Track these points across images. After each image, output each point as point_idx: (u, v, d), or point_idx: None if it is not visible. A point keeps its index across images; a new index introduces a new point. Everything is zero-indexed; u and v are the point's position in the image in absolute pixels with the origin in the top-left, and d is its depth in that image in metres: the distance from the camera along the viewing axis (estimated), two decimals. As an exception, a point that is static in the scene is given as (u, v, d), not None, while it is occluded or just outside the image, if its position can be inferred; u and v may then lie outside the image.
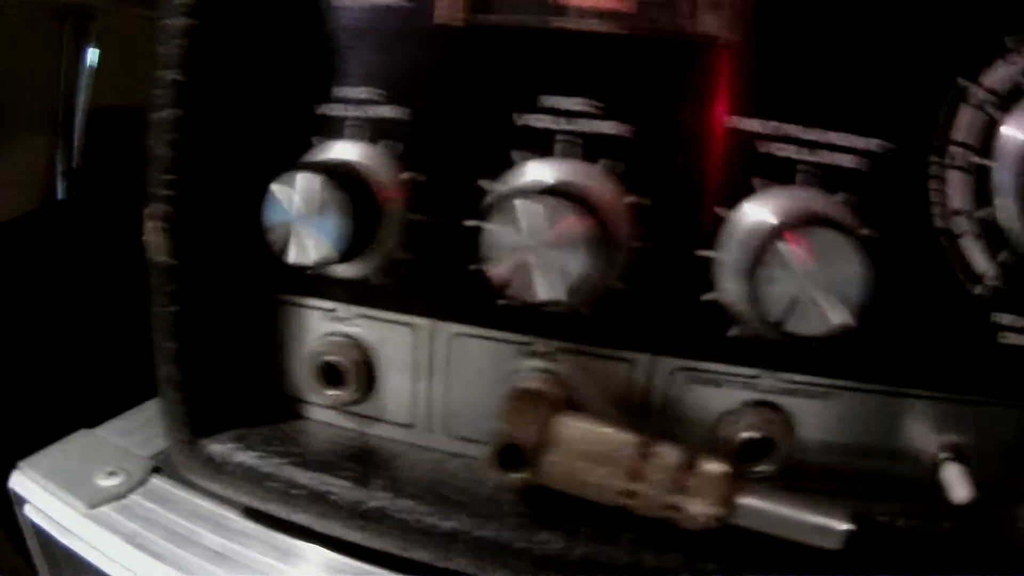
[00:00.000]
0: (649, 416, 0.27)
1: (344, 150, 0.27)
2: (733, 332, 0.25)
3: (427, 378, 0.29)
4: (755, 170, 0.24)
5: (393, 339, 0.29)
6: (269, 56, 0.28)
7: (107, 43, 0.56)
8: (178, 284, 0.28)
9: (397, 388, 0.29)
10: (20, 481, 0.34)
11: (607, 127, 0.25)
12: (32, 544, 0.35)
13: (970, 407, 0.27)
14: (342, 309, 0.29)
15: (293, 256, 0.25)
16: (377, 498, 0.26)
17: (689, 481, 0.24)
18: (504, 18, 0.24)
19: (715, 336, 0.26)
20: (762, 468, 0.26)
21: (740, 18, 0.24)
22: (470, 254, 0.25)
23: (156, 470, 0.35)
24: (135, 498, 0.33)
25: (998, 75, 0.24)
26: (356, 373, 0.29)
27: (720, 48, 0.24)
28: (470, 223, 0.26)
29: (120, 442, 0.37)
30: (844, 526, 0.24)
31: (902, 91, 0.24)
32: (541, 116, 0.25)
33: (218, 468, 0.29)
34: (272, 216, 0.25)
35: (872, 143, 0.24)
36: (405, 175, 0.27)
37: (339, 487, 0.27)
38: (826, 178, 0.24)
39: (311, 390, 0.30)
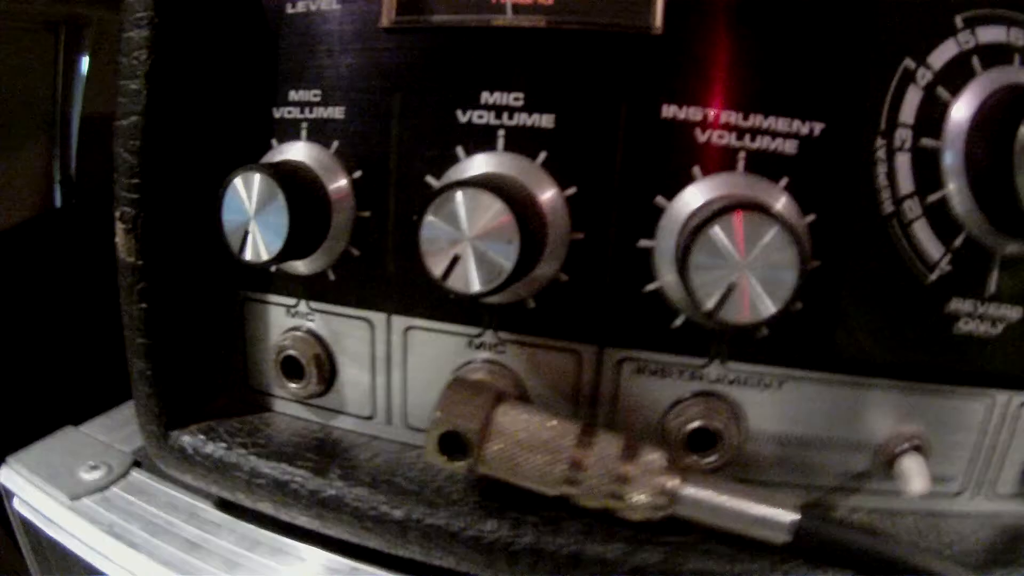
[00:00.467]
0: (598, 407, 0.28)
1: (299, 151, 0.30)
2: (678, 322, 0.27)
3: (384, 371, 0.31)
4: (694, 159, 0.26)
5: (351, 333, 0.31)
6: (228, 64, 0.30)
7: (100, 51, 0.60)
8: (146, 283, 0.30)
9: (356, 381, 0.32)
10: (8, 475, 0.37)
11: (545, 121, 0.27)
12: (19, 535, 0.38)
13: (929, 397, 0.28)
14: (302, 305, 0.32)
15: (248, 254, 0.28)
16: (334, 486, 0.29)
17: (630, 471, 0.25)
18: (431, 18, 0.27)
19: (659, 326, 0.27)
20: (710, 459, 0.28)
21: (662, 8, 0.25)
22: (418, 248, 0.27)
23: (136, 464, 0.38)
24: (115, 491, 0.36)
25: (947, 55, 0.25)
26: (316, 367, 0.31)
27: (651, 38, 0.25)
28: (417, 219, 0.28)
29: (103, 438, 0.40)
30: (790, 517, 0.25)
31: (846, 74, 0.25)
32: (483, 112, 0.27)
33: (188, 459, 0.32)
34: (227, 216, 0.28)
35: (815, 127, 0.26)
36: (356, 174, 0.29)
37: (299, 476, 0.29)
38: (768, 165, 0.26)
39: (276, 384, 0.33)
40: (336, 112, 0.29)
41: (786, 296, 0.23)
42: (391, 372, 0.31)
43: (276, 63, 0.30)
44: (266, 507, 0.30)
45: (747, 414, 0.28)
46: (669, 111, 0.26)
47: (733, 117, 0.26)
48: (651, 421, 0.28)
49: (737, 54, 0.26)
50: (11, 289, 0.56)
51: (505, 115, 0.27)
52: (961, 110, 0.26)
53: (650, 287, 0.27)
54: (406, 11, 0.27)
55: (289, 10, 0.29)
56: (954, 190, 0.26)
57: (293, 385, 0.32)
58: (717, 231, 0.23)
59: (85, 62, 0.60)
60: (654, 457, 0.25)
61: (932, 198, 0.26)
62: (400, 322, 0.30)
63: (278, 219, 0.27)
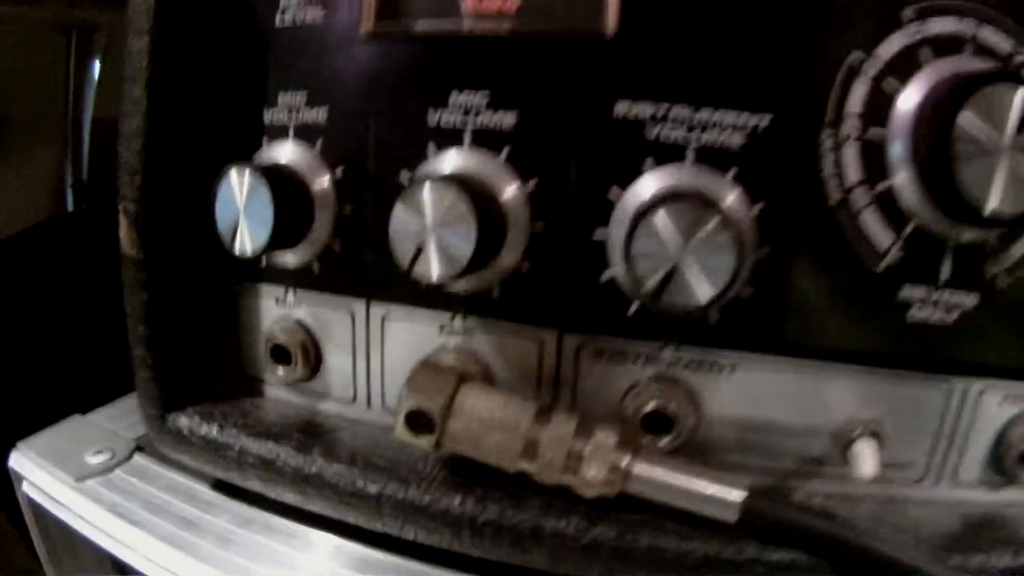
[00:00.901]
0: (560, 390, 0.32)
1: (287, 150, 0.34)
2: (632, 309, 0.30)
3: (364, 357, 0.35)
4: (646, 152, 0.29)
5: (333, 321, 0.35)
6: (222, 69, 0.35)
7: (111, 56, 0.65)
8: (147, 274, 0.35)
9: (339, 367, 0.36)
10: (18, 460, 0.42)
11: (507, 120, 0.30)
12: (28, 518, 0.43)
13: (886, 382, 0.30)
14: (290, 295, 0.36)
15: (238, 248, 0.32)
16: (316, 464, 0.33)
17: (583, 448, 0.29)
18: (405, 24, 0.30)
19: (616, 313, 0.30)
20: (666, 442, 0.31)
21: (615, 11, 0.28)
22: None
23: (139, 449, 0.42)
24: (119, 473, 0.40)
25: (895, 46, 0.28)
26: (302, 353, 0.35)
27: (603, 41, 0.29)
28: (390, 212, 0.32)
29: (108, 426, 0.45)
30: (738, 497, 0.28)
31: (793, 67, 0.28)
32: (452, 112, 0.31)
33: (185, 440, 0.36)
34: (220, 211, 0.32)
35: (763, 120, 0.28)
36: (338, 171, 0.33)
37: (283, 454, 0.33)
38: (716, 157, 0.29)
39: (267, 369, 0.37)
40: (320, 114, 0.33)
41: (724, 281, 0.26)
42: (370, 358, 0.35)
43: (266, 68, 0.34)
44: (254, 485, 0.34)
45: (702, 398, 0.31)
46: (621, 108, 0.29)
47: (682, 112, 0.29)
48: (610, 404, 0.31)
49: (685, 52, 0.29)
50: (25, 290, 0.61)
51: (472, 114, 0.31)
52: (908, 100, 0.28)
53: (606, 275, 0.30)
54: (384, 18, 0.31)
55: (278, 20, 0.34)
56: (902, 179, 0.28)
57: (281, 371, 0.36)
58: (657, 219, 0.26)
59: (96, 66, 0.66)
60: (606, 435, 0.29)
61: (880, 187, 0.28)
62: (378, 310, 0.34)
63: (264, 213, 0.31)
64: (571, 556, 0.29)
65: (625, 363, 0.31)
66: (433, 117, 0.31)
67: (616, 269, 0.30)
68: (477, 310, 0.32)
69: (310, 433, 0.34)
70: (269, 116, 0.34)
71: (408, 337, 0.34)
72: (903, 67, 0.28)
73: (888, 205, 0.29)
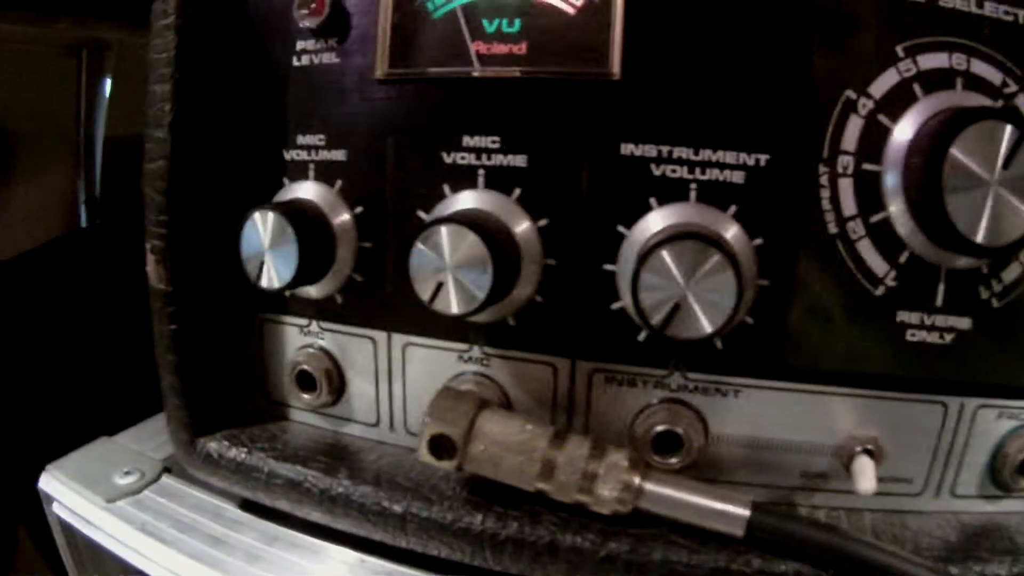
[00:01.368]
0: (574, 414, 0.35)
1: (307, 189, 0.37)
2: (641, 337, 0.33)
3: (387, 383, 0.38)
4: (651, 191, 0.32)
5: (356, 350, 0.38)
6: (243, 111, 0.38)
7: (122, 73, 0.68)
8: (175, 306, 0.38)
9: (362, 392, 0.39)
10: (48, 481, 0.45)
11: (518, 160, 0.33)
12: (58, 537, 0.46)
13: (883, 403, 0.33)
14: (313, 324, 0.39)
15: (264, 282, 0.35)
16: (342, 485, 0.36)
17: (597, 469, 0.32)
18: (418, 70, 0.33)
19: (625, 341, 0.33)
20: (674, 461, 0.34)
21: (619, 56, 0.31)
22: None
23: (167, 470, 0.45)
24: (148, 494, 0.43)
25: (889, 84, 0.30)
26: (327, 380, 0.39)
27: (609, 83, 0.31)
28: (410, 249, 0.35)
29: (136, 447, 0.48)
30: (745, 511, 0.31)
31: (788, 108, 0.31)
32: (465, 154, 0.34)
33: (214, 463, 0.39)
34: (245, 249, 0.35)
35: (761, 158, 0.31)
36: (357, 209, 0.36)
37: (311, 476, 0.36)
38: (717, 194, 0.32)
39: (291, 395, 0.40)
40: (339, 155, 0.36)
41: (726, 314, 0.29)
42: (392, 384, 0.38)
43: (285, 110, 0.37)
44: (282, 505, 0.38)
45: (708, 419, 0.34)
46: (627, 149, 0.32)
47: (684, 152, 0.32)
48: (621, 426, 0.34)
49: (686, 94, 0.31)
50: (41, 307, 0.64)
51: (484, 156, 0.33)
52: (901, 135, 0.30)
53: (615, 306, 0.33)
54: (397, 63, 0.34)
55: (295, 63, 0.36)
56: (896, 211, 0.31)
57: (307, 396, 0.39)
58: (661, 257, 0.29)
59: (108, 84, 0.69)
60: (618, 457, 0.32)
61: (875, 219, 0.31)
62: (399, 339, 0.37)
63: (289, 251, 0.34)
64: (587, 570, 0.32)
65: (635, 388, 0.34)
66: (447, 159, 0.34)
67: (626, 300, 0.33)
68: (494, 339, 0.35)
69: (336, 456, 0.38)
70: (290, 155, 0.37)
71: (429, 364, 0.37)
72: (895, 103, 0.30)
73: (883, 235, 0.31)
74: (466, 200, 0.34)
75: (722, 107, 0.31)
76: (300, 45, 0.36)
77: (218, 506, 0.42)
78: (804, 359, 0.33)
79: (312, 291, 0.38)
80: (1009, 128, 0.27)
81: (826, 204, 0.31)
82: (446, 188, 0.34)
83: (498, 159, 0.33)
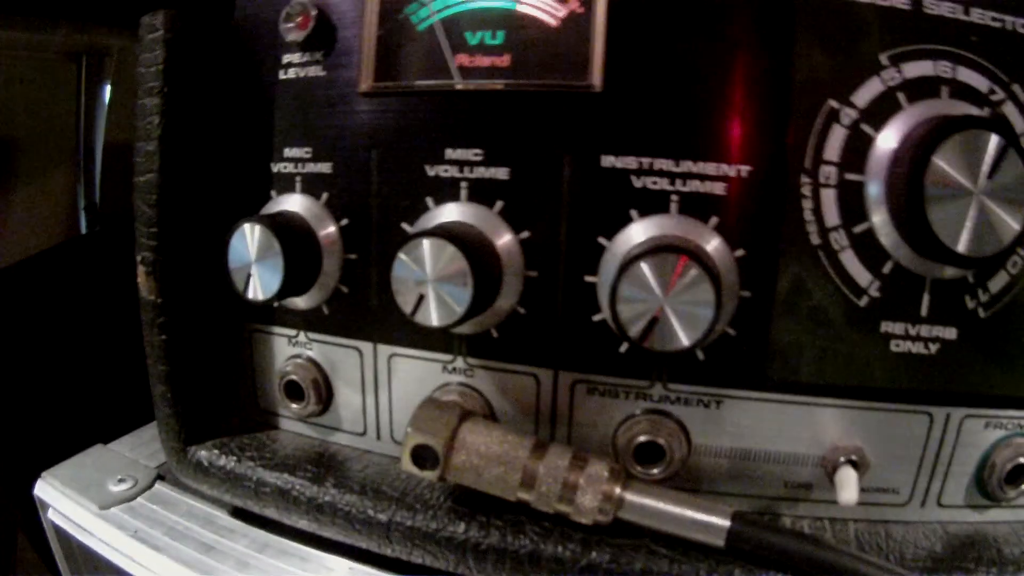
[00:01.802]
0: (557, 424, 0.36)
1: (294, 202, 0.38)
2: (623, 348, 0.34)
3: (373, 393, 0.39)
4: (631, 203, 0.33)
5: (343, 360, 0.39)
6: (231, 124, 0.39)
7: (121, 80, 0.70)
8: (165, 317, 0.39)
9: (349, 402, 0.40)
10: (43, 488, 0.46)
11: (500, 173, 0.34)
12: (53, 543, 0.47)
13: (867, 413, 0.33)
14: (301, 335, 0.40)
15: (251, 294, 0.36)
16: (329, 494, 0.37)
17: (578, 479, 0.32)
18: (403, 83, 0.34)
19: (607, 352, 0.34)
20: (656, 471, 0.34)
21: (601, 68, 0.32)
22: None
23: (160, 478, 0.47)
24: (141, 501, 0.45)
25: (872, 93, 0.31)
26: (315, 390, 0.40)
27: (590, 96, 0.32)
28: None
29: (130, 455, 0.49)
30: (725, 522, 0.32)
31: (770, 119, 0.31)
32: (447, 167, 0.35)
33: (204, 471, 0.40)
34: (232, 261, 0.36)
35: (742, 169, 0.32)
36: (343, 221, 0.37)
37: (299, 485, 0.37)
38: (698, 205, 0.32)
39: (280, 405, 0.41)
40: (325, 167, 0.37)
41: (705, 326, 0.30)
42: (378, 394, 0.39)
43: (272, 123, 0.38)
44: (271, 513, 0.39)
45: (691, 430, 0.35)
46: (608, 161, 0.33)
47: (665, 164, 0.32)
48: (604, 436, 0.35)
49: (667, 106, 0.32)
50: (40, 314, 0.66)
51: (467, 169, 0.34)
52: (884, 144, 0.31)
53: (597, 317, 0.34)
54: (382, 76, 0.35)
55: (282, 76, 0.37)
56: (879, 221, 0.31)
57: (295, 406, 0.40)
58: (640, 270, 0.30)
59: (107, 91, 0.71)
60: (599, 467, 0.32)
61: (858, 229, 0.32)
62: (385, 350, 0.38)
63: (275, 263, 0.35)
64: (569, 579, 0.33)
65: (617, 399, 0.35)
66: (430, 172, 0.35)
67: (605, 313, 0.33)
68: (478, 351, 0.36)
69: (323, 464, 0.39)
70: (277, 168, 0.38)
71: (414, 375, 0.38)
72: (879, 113, 0.31)
73: (867, 245, 0.32)
74: (449, 213, 0.35)
75: (703, 118, 0.32)
76: (286, 58, 0.37)
77: (210, 513, 0.43)
78: (787, 370, 0.33)
79: (299, 302, 0.39)
80: (994, 137, 0.28)
81: (808, 215, 0.32)
82: (429, 201, 0.35)
83: (480, 172, 0.34)
